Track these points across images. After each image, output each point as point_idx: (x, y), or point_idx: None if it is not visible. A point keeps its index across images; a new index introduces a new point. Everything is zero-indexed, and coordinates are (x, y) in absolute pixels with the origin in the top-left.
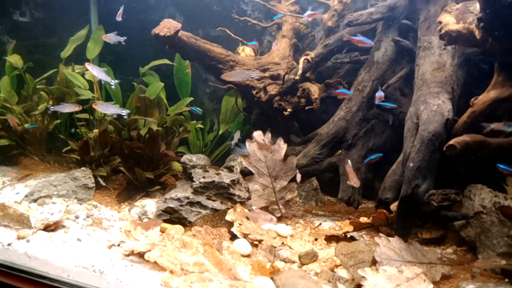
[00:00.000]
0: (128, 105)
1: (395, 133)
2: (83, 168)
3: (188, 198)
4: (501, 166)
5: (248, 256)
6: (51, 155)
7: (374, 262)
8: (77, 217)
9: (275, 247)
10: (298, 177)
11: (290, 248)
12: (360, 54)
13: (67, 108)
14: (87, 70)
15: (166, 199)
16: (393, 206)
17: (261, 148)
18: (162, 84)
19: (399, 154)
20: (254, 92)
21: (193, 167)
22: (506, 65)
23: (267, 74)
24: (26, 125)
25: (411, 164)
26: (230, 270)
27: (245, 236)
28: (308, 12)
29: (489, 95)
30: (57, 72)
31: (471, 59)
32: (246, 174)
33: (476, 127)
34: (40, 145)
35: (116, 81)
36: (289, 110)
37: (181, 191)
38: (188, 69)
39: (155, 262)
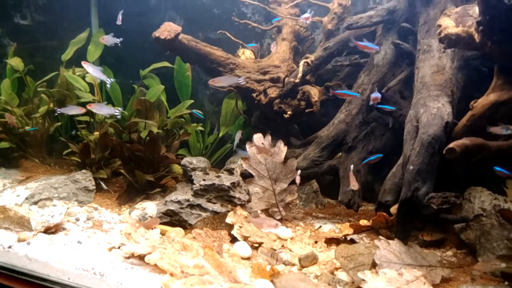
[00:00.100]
0: (128, 107)
1: (395, 136)
2: (83, 171)
3: (188, 200)
4: (498, 168)
5: (248, 258)
6: (52, 158)
7: (374, 265)
8: (77, 220)
9: (275, 250)
10: (297, 179)
11: (290, 250)
12: (360, 57)
13: (73, 110)
14: (87, 73)
15: (166, 201)
16: (393, 209)
17: (260, 152)
18: (163, 86)
19: (399, 157)
20: (254, 94)
21: (194, 169)
22: (506, 69)
23: (267, 77)
24: (27, 128)
25: (411, 167)
26: (230, 272)
27: (245, 238)
28: (305, 15)
29: (489, 98)
30: (58, 74)
31: (470, 62)
32: (247, 176)
33: (476, 130)
34: (41, 147)
35: (112, 79)
36: (289, 112)
37: (182, 194)
38: (189, 71)
39: (156, 264)
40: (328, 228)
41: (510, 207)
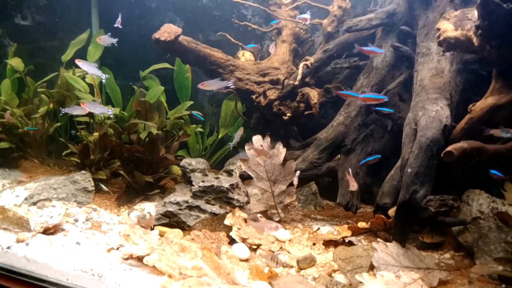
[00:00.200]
0: (128, 108)
1: (394, 138)
2: (82, 171)
3: (187, 202)
4: (493, 171)
5: (246, 260)
6: (51, 158)
7: (371, 267)
8: (76, 221)
9: (273, 252)
10: (295, 180)
11: (288, 252)
12: (359, 59)
13: (77, 110)
14: (87, 73)
15: (165, 203)
16: (391, 211)
17: (259, 154)
18: (162, 88)
19: (397, 159)
20: (253, 96)
21: (193, 171)
22: (504, 72)
23: (266, 78)
24: (26, 128)
25: (409, 170)
26: (229, 274)
27: (244, 240)
28: (303, 16)
29: (487, 101)
30: (58, 75)
31: (469, 65)
32: (245, 178)
33: (474, 133)
34: (40, 148)
35: (107, 75)
36: (288, 114)
37: (180, 195)
38: (188, 73)
39: (154, 266)
40: (327, 230)
41: (508, 210)
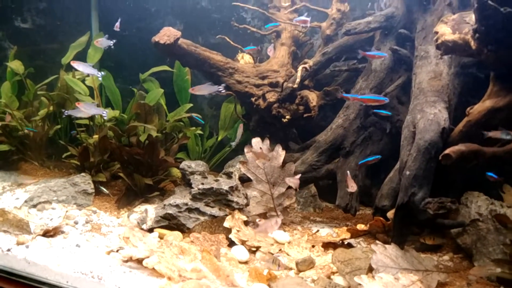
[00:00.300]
0: (128, 111)
1: (392, 141)
2: (82, 174)
3: (186, 204)
4: (489, 174)
5: (245, 262)
6: (51, 161)
7: (370, 269)
8: (76, 223)
9: (272, 254)
10: (295, 182)
11: (288, 255)
12: (358, 62)
13: (81, 113)
14: (87, 76)
15: (164, 205)
16: (390, 214)
17: (258, 157)
18: (162, 90)
19: (396, 162)
20: (253, 99)
21: (192, 173)
22: (501, 75)
23: (266, 81)
24: (25, 128)
25: (408, 172)
26: (228, 276)
27: (243, 242)
28: (301, 18)
29: (485, 104)
30: (58, 78)
31: (467, 68)
32: (245, 180)
33: (472, 136)
34: (40, 150)
35: (103, 73)
36: (287, 117)
37: (180, 198)
38: (188, 75)
39: (153, 268)
40: (326, 232)
41: (506, 212)
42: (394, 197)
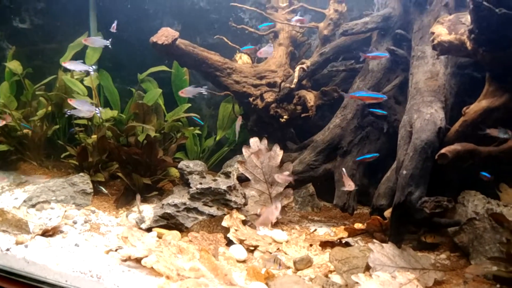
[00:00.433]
0: (126, 111)
1: (389, 140)
2: (81, 174)
3: (185, 204)
4: (482, 173)
5: (243, 261)
6: (50, 161)
7: (367, 268)
8: (75, 223)
9: (271, 253)
10: (284, 177)
11: (285, 254)
12: (355, 62)
13: (83, 112)
14: (86, 76)
15: (163, 204)
16: (387, 213)
17: (256, 154)
18: (160, 90)
19: (393, 161)
20: (251, 99)
21: (190, 173)
22: (497, 75)
23: (263, 81)
24: (21, 124)
25: (404, 172)
26: (226, 275)
27: (241, 242)
28: (297, 17)
29: (481, 104)
30: (56, 78)
31: (464, 68)
32: (243, 180)
33: (468, 135)
34: (39, 150)
35: (94, 67)
36: (285, 117)
37: (178, 197)
38: (186, 76)
39: (152, 267)
40: (324, 231)
41: (503, 211)
42: (391, 196)
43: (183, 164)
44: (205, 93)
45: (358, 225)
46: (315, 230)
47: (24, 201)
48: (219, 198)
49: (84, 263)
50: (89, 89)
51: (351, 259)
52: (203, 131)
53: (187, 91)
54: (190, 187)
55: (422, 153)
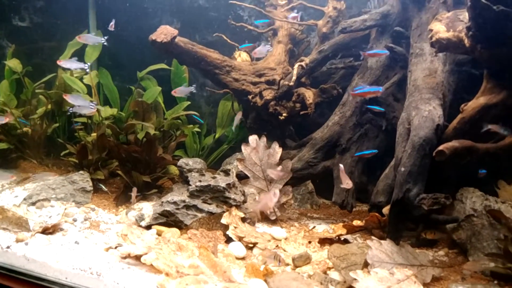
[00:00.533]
0: (126, 109)
1: (388, 137)
2: (81, 172)
3: (184, 201)
4: (481, 171)
5: (242, 258)
6: (50, 159)
7: (366, 265)
8: (75, 220)
9: (270, 250)
10: (275, 174)
11: (284, 250)
12: (354, 60)
13: (85, 110)
14: (85, 74)
15: (162, 202)
16: (386, 210)
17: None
18: (160, 88)
19: (392, 158)
20: (250, 97)
21: (190, 170)
22: (495, 72)
23: (262, 79)
24: (19, 119)
25: (403, 169)
26: (225, 272)
27: (240, 239)
28: (292, 14)
29: (478, 101)
30: (56, 76)
31: (462, 65)
32: (242, 177)
33: (466, 132)
34: (39, 148)
35: (89, 64)
36: (284, 114)
37: (178, 195)
38: (185, 73)
39: (151, 264)
40: (322, 229)
41: (501, 208)
42: (389, 193)
43: (182, 162)
44: (195, 91)
45: (356, 222)
46: (314, 227)
47: (24, 199)
48: (218, 195)
49: (84, 260)
50: (88, 87)
51: (349, 255)
52: (203, 129)
53: (179, 91)
54: (190, 185)
55: (420, 150)
